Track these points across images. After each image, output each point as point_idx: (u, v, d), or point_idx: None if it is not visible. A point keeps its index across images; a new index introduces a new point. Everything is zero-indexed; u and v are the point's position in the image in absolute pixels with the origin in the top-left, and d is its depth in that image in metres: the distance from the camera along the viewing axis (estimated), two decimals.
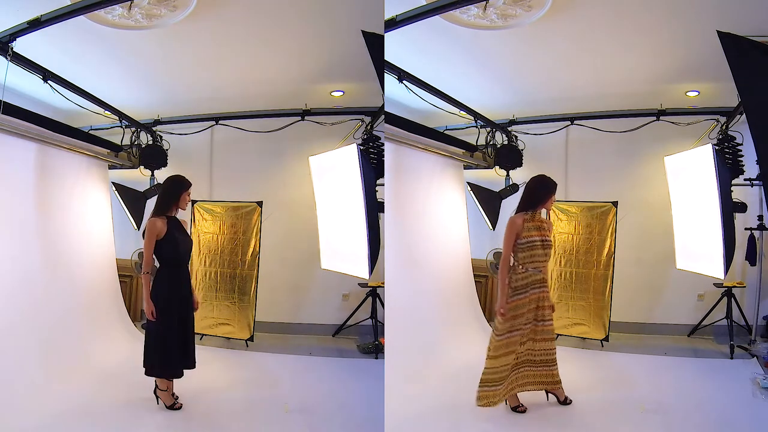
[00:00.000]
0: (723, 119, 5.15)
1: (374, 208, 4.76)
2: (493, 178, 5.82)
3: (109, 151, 5.44)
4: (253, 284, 5.31)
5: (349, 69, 4.72)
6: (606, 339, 5.15)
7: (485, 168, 5.78)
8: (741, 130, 4.93)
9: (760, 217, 5.06)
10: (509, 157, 5.69)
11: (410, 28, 3.88)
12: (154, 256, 3.74)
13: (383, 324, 4.66)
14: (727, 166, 4.89)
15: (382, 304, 5.13)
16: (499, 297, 3.71)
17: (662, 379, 4.42)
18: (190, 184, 3.85)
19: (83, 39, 4.19)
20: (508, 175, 5.74)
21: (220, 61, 4.72)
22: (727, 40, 3.87)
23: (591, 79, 5.04)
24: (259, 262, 5.31)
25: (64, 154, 4.90)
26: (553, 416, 3.75)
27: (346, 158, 4.89)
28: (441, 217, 5.35)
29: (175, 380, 3.86)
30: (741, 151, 4.97)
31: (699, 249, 4.98)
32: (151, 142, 5.60)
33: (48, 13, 3.64)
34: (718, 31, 3.87)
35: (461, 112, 5.36)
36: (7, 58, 3.85)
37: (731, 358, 4.85)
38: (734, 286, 5.14)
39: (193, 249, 4.51)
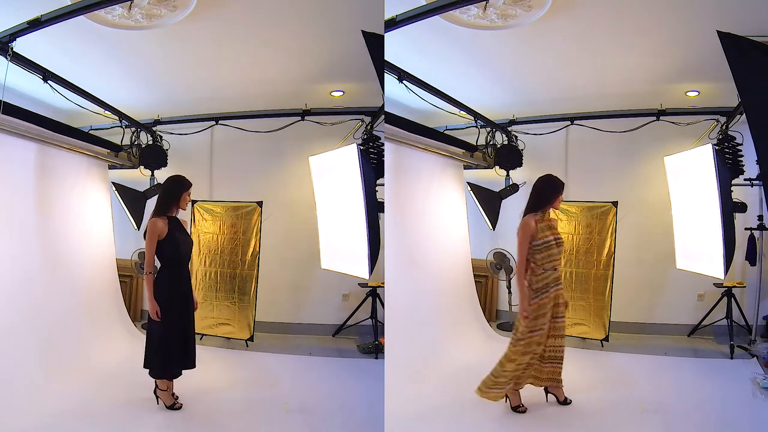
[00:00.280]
0: (723, 119, 5.16)
1: (374, 208, 4.76)
2: (493, 178, 5.82)
3: (109, 151, 5.44)
4: (253, 284, 5.31)
5: (349, 69, 4.72)
6: (606, 339, 5.15)
7: (485, 168, 5.78)
8: (741, 130, 4.93)
9: (760, 217, 5.06)
10: (509, 157, 5.69)
11: (410, 28, 3.88)
12: (155, 257, 3.74)
13: (383, 324, 4.66)
14: (727, 166, 4.89)
15: (382, 304, 5.14)
16: (520, 300, 3.70)
17: (662, 379, 4.42)
18: (191, 184, 3.85)
19: (83, 39, 4.18)
20: (508, 175, 5.75)
21: (220, 61, 4.71)
22: (727, 40, 3.87)
23: (591, 79, 5.04)
24: (259, 262, 5.31)
25: (64, 154, 4.90)
26: (553, 416, 3.75)
27: (346, 158, 4.89)
28: (441, 217, 5.35)
29: (175, 380, 3.86)
30: (741, 151, 4.98)
31: (699, 249, 4.98)
32: (151, 142, 5.60)
33: (48, 13, 3.64)
34: (718, 31, 3.87)
35: (461, 112, 5.36)
36: (7, 58, 3.84)
37: (731, 358, 4.85)
38: (734, 286, 5.14)
39: (193, 249, 4.51)
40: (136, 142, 5.54)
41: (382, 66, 4.16)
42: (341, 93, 5.28)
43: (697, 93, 5.14)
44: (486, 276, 6.04)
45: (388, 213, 4.49)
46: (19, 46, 3.84)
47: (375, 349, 5.09)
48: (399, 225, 4.63)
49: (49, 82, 4.33)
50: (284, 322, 5.68)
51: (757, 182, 4.87)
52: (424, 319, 4.73)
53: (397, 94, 4.76)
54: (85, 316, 4.88)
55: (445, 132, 5.58)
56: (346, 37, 4.17)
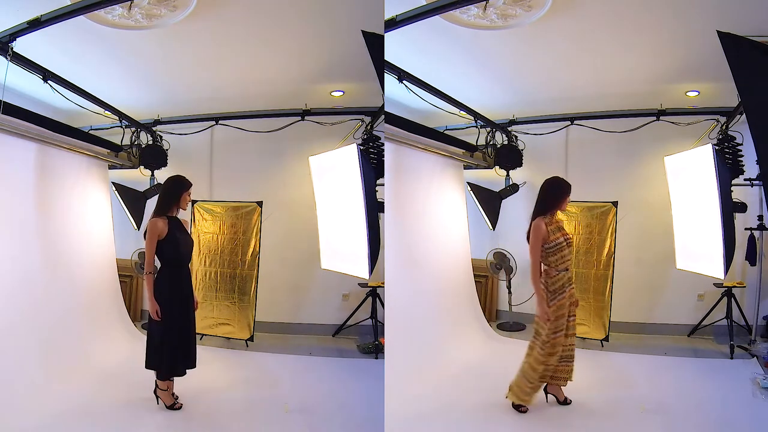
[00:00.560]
0: (723, 119, 5.15)
1: (374, 208, 4.76)
2: (493, 178, 5.83)
3: (109, 151, 5.44)
4: (253, 284, 5.31)
5: (349, 69, 4.72)
6: (606, 339, 5.15)
7: (485, 168, 5.78)
8: (741, 130, 4.93)
9: (760, 217, 5.06)
10: (509, 157, 5.69)
11: (410, 28, 3.88)
12: (155, 257, 3.74)
13: (383, 324, 4.66)
14: (727, 166, 4.89)
15: (382, 304, 5.13)
16: (539, 304, 3.72)
17: (662, 379, 4.42)
18: (191, 185, 3.86)
19: (83, 39, 4.18)
20: (508, 175, 5.75)
21: (220, 61, 4.71)
22: (727, 40, 3.87)
23: (591, 79, 5.04)
24: (259, 262, 5.31)
25: (64, 154, 4.90)
26: (553, 416, 3.75)
27: (346, 158, 4.89)
28: (441, 217, 5.35)
29: (175, 380, 3.86)
30: (741, 151, 4.97)
31: (699, 249, 4.98)
32: (151, 142, 5.60)
33: (48, 13, 3.64)
34: (718, 31, 3.87)
35: (461, 112, 5.36)
36: (7, 58, 3.84)
37: (731, 358, 4.85)
38: (734, 286, 5.14)
39: (193, 249, 4.50)
40: (136, 142, 5.54)
41: (382, 66, 4.16)
42: (341, 93, 5.28)
43: (697, 93, 5.14)
44: (486, 276, 6.05)
45: (388, 213, 4.49)
46: (19, 46, 3.84)
47: (375, 349, 5.09)
48: (399, 225, 4.63)
49: (49, 82, 4.33)
50: (284, 322, 5.68)
51: (757, 182, 4.87)
52: (424, 319, 4.73)
53: (397, 94, 4.76)
54: (85, 316, 4.88)
55: (445, 132, 5.58)
56: (346, 37, 4.17)
